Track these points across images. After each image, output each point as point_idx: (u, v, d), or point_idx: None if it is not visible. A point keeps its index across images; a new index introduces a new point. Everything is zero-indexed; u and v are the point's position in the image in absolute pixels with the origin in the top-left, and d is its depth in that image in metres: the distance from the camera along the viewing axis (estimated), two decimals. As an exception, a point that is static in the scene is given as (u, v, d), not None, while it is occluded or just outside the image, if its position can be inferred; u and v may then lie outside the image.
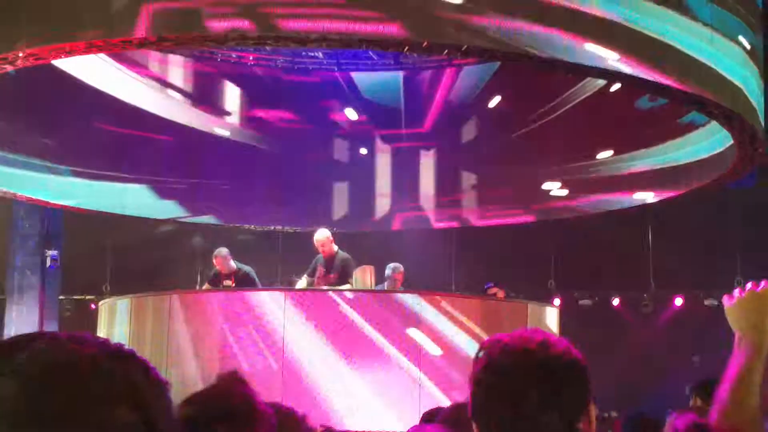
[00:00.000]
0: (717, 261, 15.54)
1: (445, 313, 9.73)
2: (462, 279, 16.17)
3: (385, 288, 10.58)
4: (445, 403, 8.41)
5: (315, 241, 10.37)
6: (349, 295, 9.69)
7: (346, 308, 9.47)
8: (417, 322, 9.58)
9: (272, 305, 9.65)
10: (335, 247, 10.36)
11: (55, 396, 0.91)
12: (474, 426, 1.77)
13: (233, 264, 10.63)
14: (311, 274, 10.40)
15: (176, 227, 15.60)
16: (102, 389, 0.93)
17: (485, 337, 9.69)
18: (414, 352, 9.49)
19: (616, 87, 10.92)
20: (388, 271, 10.86)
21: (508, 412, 1.71)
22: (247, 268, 10.72)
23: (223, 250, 10.72)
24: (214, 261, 10.77)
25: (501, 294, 12.21)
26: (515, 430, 1.71)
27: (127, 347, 0.99)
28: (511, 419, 1.70)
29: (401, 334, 9.55)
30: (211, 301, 10.17)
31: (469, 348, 9.62)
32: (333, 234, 10.61)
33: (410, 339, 9.58)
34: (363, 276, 10.20)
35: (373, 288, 10.22)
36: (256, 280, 10.71)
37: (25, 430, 0.89)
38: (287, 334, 9.53)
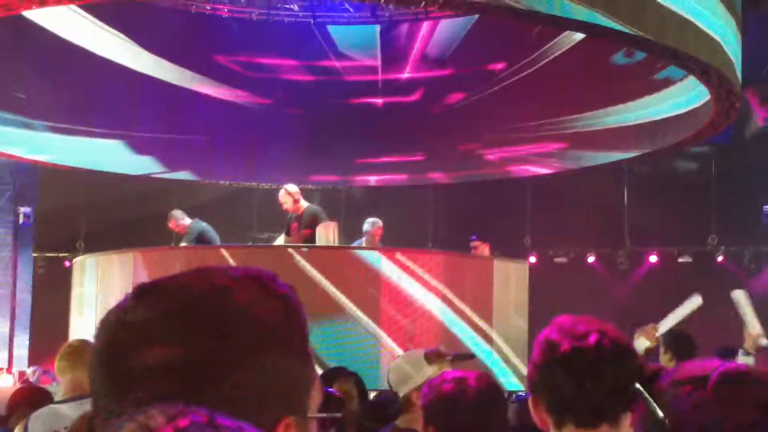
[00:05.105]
0: (692, 218, 15.63)
1: (406, 268, 9.66)
2: (440, 235, 16.18)
3: (364, 244, 10.51)
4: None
5: (279, 198, 10.28)
6: (307, 251, 9.59)
7: (304, 264, 9.38)
8: (376, 278, 9.51)
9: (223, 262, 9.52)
10: (303, 203, 10.24)
11: None
12: (531, 397, 1.92)
13: (185, 223, 10.59)
14: (288, 232, 10.31)
15: (152, 183, 15.50)
16: None
17: (446, 292, 9.73)
18: (373, 308, 9.43)
19: (587, 41, 10.85)
20: (366, 226, 10.73)
21: (567, 392, 1.85)
22: (198, 226, 10.63)
23: (176, 213, 10.73)
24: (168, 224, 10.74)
25: (485, 248, 12.07)
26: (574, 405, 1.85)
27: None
28: (570, 397, 1.85)
29: (360, 290, 9.46)
30: (172, 258, 10.11)
31: (430, 303, 9.60)
32: (306, 190, 10.51)
33: (369, 295, 9.50)
34: (326, 232, 10.07)
35: (335, 244, 10.09)
36: (208, 237, 10.61)
37: None
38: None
